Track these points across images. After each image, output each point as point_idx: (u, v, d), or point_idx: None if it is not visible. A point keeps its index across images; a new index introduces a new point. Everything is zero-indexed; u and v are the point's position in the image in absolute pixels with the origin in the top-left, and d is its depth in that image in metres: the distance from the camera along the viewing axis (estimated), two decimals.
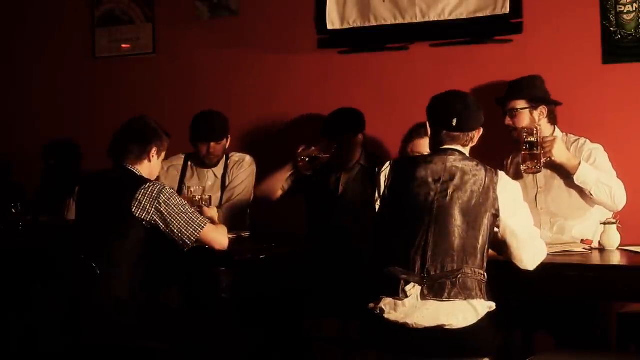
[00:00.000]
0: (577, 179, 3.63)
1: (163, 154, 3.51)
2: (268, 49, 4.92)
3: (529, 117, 3.82)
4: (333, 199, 4.29)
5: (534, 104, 3.83)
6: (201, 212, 3.57)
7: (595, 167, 3.70)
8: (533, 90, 3.87)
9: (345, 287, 3.53)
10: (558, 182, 3.78)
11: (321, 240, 4.08)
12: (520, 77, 3.95)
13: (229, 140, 4.44)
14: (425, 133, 3.30)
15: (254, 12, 4.99)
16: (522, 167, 3.67)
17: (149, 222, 3.25)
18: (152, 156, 3.42)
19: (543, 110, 3.84)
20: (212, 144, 4.33)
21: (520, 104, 3.83)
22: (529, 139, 3.60)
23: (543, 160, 3.61)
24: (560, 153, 3.62)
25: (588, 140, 3.83)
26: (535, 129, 3.64)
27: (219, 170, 4.47)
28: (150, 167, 3.43)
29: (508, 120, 3.86)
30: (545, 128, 3.82)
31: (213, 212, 3.69)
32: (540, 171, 3.66)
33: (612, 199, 3.63)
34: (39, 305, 3.33)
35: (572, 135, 3.88)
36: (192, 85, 5.12)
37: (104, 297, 3.17)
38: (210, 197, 3.94)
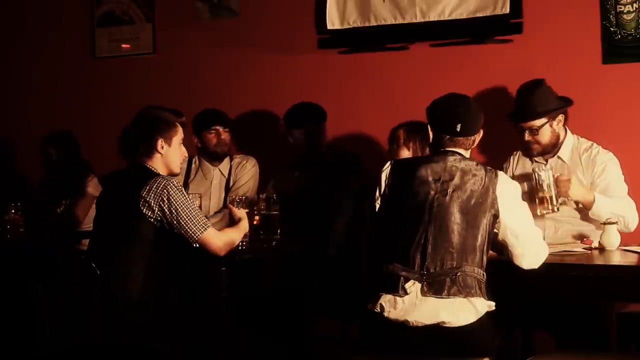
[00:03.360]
0: (592, 214, 3.58)
1: (175, 139, 3.39)
2: (268, 49, 4.92)
3: (550, 130, 3.73)
4: (306, 197, 4.29)
5: (553, 116, 3.73)
6: (230, 212, 3.57)
7: (606, 180, 3.65)
8: (549, 103, 3.73)
9: (345, 287, 3.53)
10: (575, 178, 3.68)
11: (300, 239, 4.06)
12: (523, 85, 3.80)
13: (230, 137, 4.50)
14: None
15: (254, 12, 4.98)
16: (538, 210, 3.52)
17: (155, 219, 3.24)
18: (161, 147, 3.34)
19: (560, 117, 3.76)
20: (220, 129, 4.39)
21: (541, 121, 3.71)
22: (544, 182, 3.49)
23: (559, 200, 3.53)
24: (575, 193, 3.55)
25: (601, 149, 3.75)
26: (547, 170, 3.54)
27: (225, 168, 4.50)
28: (163, 158, 3.36)
29: (528, 137, 3.72)
30: (560, 132, 3.76)
31: (242, 213, 3.58)
32: (556, 211, 3.53)
33: (626, 226, 3.60)
34: (40, 306, 3.33)
35: (583, 140, 3.81)
36: (192, 85, 5.12)
37: (112, 297, 3.17)
38: (246, 197, 3.89)
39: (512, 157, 3.98)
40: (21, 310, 3.44)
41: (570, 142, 3.80)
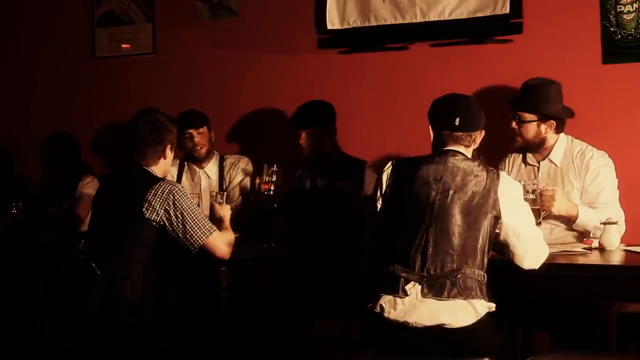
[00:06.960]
0: (577, 226, 3.58)
1: (174, 145, 3.52)
2: (268, 49, 4.92)
3: (536, 130, 3.72)
4: (309, 198, 4.28)
5: (543, 119, 3.71)
6: (212, 209, 3.58)
7: (599, 187, 3.62)
8: (546, 105, 3.70)
9: (345, 287, 3.54)
10: (560, 191, 3.62)
11: (302, 241, 4.06)
12: (537, 78, 3.81)
13: (213, 135, 4.50)
14: None
15: (254, 12, 4.99)
16: None
17: (159, 222, 3.25)
18: (167, 153, 3.43)
19: (552, 124, 3.71)
20: (194, 132, 4.39)
21: (529, 117, 3.71)
22: (528, 197, 3.40)
23: (542, 214, 3.48)
24: (559, 209, 3.52)
25: (595, 152, 3.71)
26: (533, 184, 3.52)
27: (211, 171, 4.50)
28: (165, 163, 3.45)
29: (514, 124, 3.75)
30: (549, 137, 3.74)
31: (225, 210, 3.59)
32: (539, 224, 3.41)
33: None
34: (40, 306, 3.33)
35: (577, 142, 3.78)
36: (192, 85, 5.12)
37: (110, 298, 3.17)
38: (225, 193, 3.88)
39: (506, 159, 3.95)
40: (21, 310, 3.44)
41: (563, 145, 3.77)
